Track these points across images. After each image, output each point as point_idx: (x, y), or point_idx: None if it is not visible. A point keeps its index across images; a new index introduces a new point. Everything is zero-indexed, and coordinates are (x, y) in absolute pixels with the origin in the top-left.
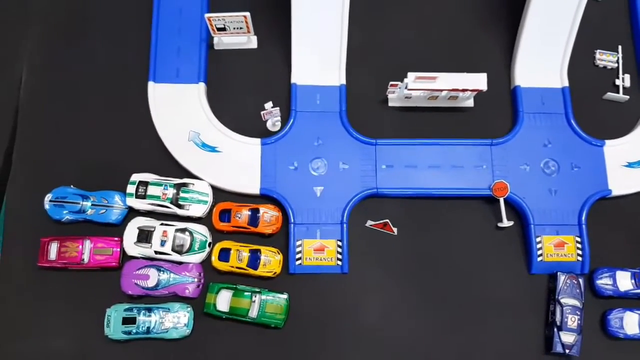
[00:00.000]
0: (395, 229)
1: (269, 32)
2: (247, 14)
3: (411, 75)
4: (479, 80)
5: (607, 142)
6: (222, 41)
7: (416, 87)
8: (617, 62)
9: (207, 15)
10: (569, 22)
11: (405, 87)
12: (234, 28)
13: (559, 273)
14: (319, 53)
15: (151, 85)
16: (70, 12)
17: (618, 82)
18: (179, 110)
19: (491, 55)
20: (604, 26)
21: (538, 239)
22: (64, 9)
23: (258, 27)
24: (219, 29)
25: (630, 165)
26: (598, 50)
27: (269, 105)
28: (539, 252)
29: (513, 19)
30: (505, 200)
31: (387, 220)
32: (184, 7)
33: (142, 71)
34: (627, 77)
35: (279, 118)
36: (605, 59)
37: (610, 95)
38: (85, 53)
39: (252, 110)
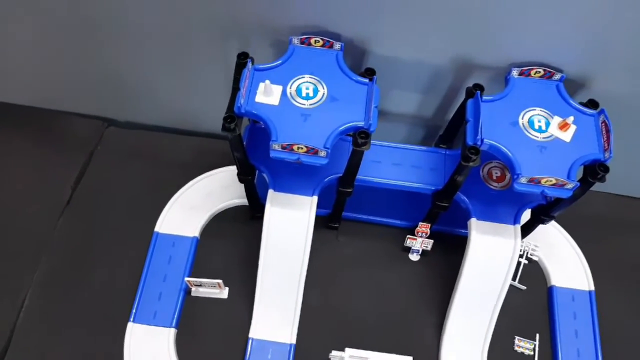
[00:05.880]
0: None
1: (239, 286)
2: (220, 281)
3: (348, 351)
4: None
5: None
6: (199, 290)
7: None
8: (534, 350)
9: (187, 278)
10: (490, 308)
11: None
12: (209, 286)
13: None
14: (276, 312)
15: (130, 325)
16: (79, 252)
17: None
18: (148, 351)
19: (427, 332)
20: (525, 314)
21: None
22: (74, 248)
23: (232, 280)
24: (196, 285)
25: None
26: (517, 337)
27: None
28: None
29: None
30: None
31: None
32: (173, 255)
33: (126, 310)
34: None
35: None
36: (523, 345)
37: None
38: (84, 288)
39: (212, 358)
